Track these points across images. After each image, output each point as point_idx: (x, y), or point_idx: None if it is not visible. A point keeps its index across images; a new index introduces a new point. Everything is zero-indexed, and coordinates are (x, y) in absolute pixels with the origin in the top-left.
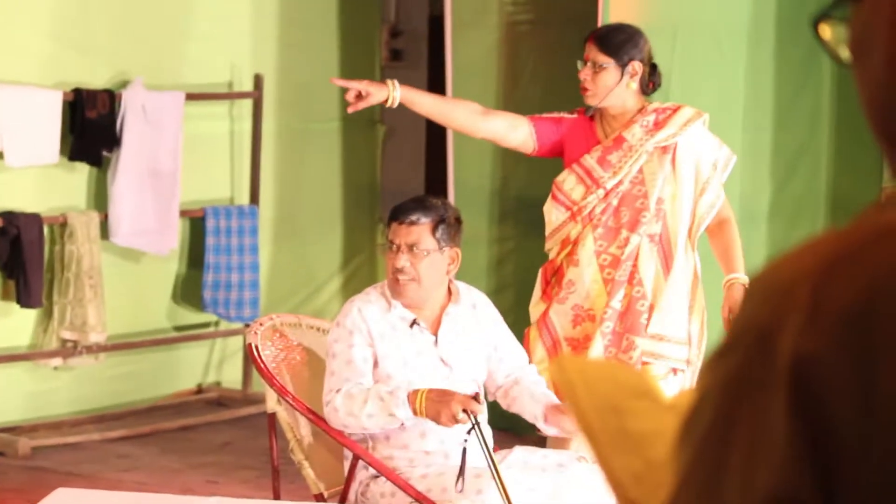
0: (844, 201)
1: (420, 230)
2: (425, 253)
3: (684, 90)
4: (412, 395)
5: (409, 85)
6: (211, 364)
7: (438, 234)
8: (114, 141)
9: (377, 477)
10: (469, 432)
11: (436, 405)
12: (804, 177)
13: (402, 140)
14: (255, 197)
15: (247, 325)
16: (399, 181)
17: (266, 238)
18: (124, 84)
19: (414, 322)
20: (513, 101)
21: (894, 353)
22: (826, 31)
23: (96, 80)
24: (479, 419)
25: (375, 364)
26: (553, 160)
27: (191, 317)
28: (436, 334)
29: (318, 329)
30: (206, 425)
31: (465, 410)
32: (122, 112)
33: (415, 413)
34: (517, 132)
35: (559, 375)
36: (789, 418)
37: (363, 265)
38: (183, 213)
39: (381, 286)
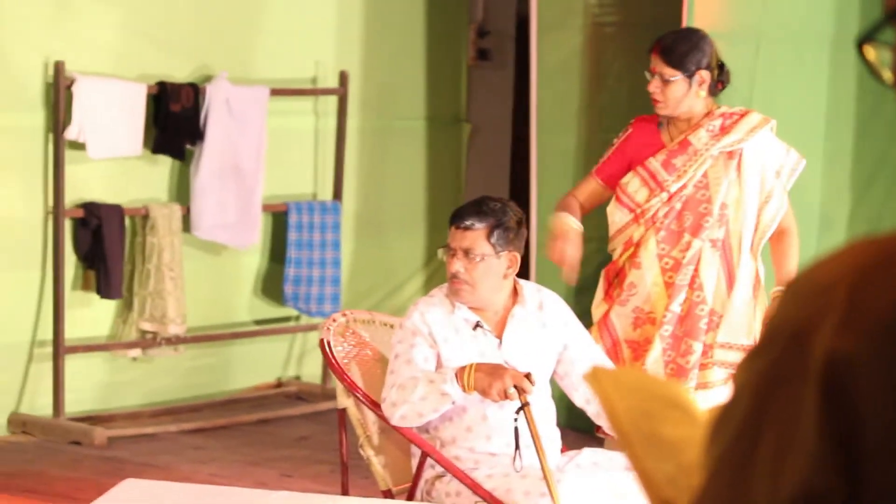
0: None
1: (475, 235)
2: (479, 258)
3: (766, 98)
4: (461, 371)
5: (496, 83)
6: (291, 358)
7: (494, 239)
8: (197, 134)
9: (443, 476)
10: (518, 411)
11: (487, 378)
12: (884, 186)
13: (488, 139)
14: (338, 193)
15: None
16: (484, 180)
17: (348, 234)
18: (208, 78)
19: (477, 325)
20: (597, 103)
21: None
22: (870, 52)
23: (180, 73)
24: (529, 399)
25: (439, 366)
26: None
27: (271, 311)
28: (500, 337)
29: (391, 326)
30: (283, 419)
31: (515, 387)
32: (206, 106)
33: (463, 389)
34: (594, 195)
35: (594, 384)
36: (820, 415)
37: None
38: (265, 208)
39: (445, 288)
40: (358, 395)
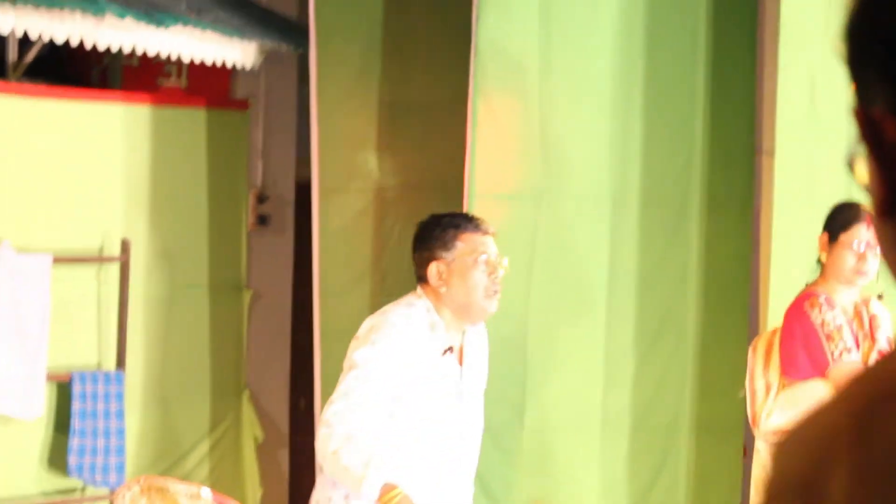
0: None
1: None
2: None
3: (548, 255)
4: (389, 487)
5: (276, 249)
6: None
7: None
8: None
9: None
10: None
11: None
12: (672, 334)
13: (269, 304)
14: (121, 362)
15: (112, 491)
16: (265, 346)
17: (133, 403)
18: None
19: (449, 349)
20: (381, 266)
21: None
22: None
23: None
24: None
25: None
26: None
27: (57, 482)
28: (461, 364)
29: (187, 495)
30: None
31: None
32: None
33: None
34: None
35: None
36: None
37: (229, 430)
38: (50, 378)
39: (423, 304)
40: None
